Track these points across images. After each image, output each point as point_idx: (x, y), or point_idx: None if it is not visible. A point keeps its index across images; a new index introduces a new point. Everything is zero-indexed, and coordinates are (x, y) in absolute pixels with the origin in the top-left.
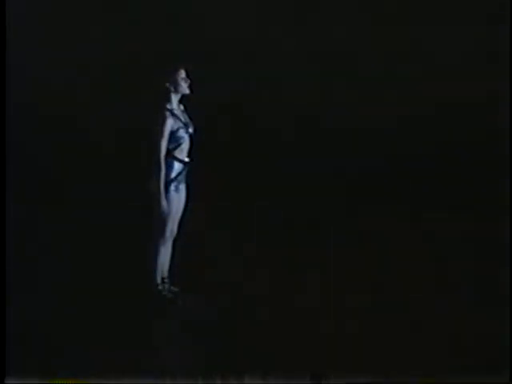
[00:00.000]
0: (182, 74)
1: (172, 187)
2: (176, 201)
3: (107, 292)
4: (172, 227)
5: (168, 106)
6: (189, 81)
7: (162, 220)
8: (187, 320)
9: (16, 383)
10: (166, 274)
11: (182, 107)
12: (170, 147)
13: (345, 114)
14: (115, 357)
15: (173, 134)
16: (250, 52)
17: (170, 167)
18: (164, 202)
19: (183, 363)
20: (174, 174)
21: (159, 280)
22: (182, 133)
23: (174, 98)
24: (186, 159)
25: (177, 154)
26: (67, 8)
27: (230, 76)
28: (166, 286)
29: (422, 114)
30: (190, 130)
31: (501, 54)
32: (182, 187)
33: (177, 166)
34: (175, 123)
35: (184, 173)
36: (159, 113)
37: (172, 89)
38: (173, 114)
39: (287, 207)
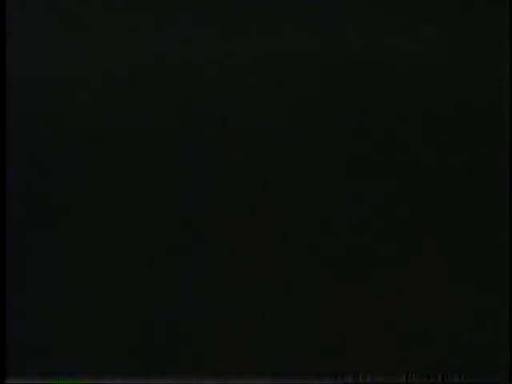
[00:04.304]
0: None
1: None
2: None
3: (107, 292)
4: None
5: None
6: None
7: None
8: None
9: (16, 383)
10: None
11: None
12: None
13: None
14: (116, 357)
15: None
16: None
17: None
18: None
19: (185, 363)
20: None
21: None
22: None
23: None
24: None
25: None
26: (67, 8)
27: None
28: None
29: (421, 114)
30: None
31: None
32: None
33: None
34: None
35: None
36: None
37: None
38: None
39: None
